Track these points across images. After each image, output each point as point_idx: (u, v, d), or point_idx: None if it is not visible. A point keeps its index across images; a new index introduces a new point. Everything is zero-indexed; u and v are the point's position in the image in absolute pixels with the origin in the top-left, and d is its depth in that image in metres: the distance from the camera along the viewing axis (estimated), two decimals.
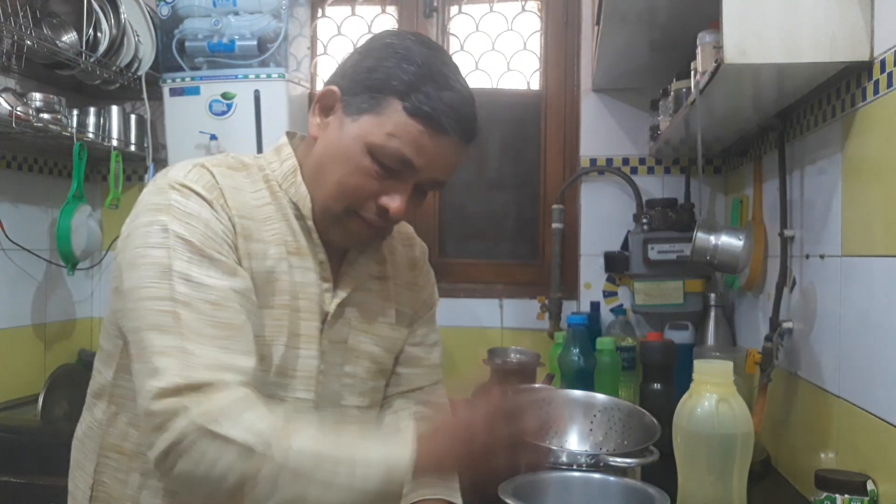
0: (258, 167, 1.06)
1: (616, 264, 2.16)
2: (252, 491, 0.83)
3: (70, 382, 2.25)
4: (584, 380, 1.77)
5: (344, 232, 1.03)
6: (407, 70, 0.97)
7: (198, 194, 0.96)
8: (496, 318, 2.36)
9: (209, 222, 0.95)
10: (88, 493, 1.04)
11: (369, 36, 1.09)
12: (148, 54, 2.31)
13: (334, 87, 1.02)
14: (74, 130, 2.17)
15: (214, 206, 0.96)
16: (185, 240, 0.92)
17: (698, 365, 1.05)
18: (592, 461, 1.21)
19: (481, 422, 0.89)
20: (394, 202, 0.99)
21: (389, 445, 0.87)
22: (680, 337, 1.99)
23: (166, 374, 0.86)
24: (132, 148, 2.40)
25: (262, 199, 1.03)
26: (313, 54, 2.60)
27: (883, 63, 1.08)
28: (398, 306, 1.15)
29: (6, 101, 1.94)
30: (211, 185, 0.98)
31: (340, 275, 1.08)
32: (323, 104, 1.03)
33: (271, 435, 0.84)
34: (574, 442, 1.40)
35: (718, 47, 1.15)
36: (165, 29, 2.27)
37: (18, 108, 1.95)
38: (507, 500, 1.01)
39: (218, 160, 1.03)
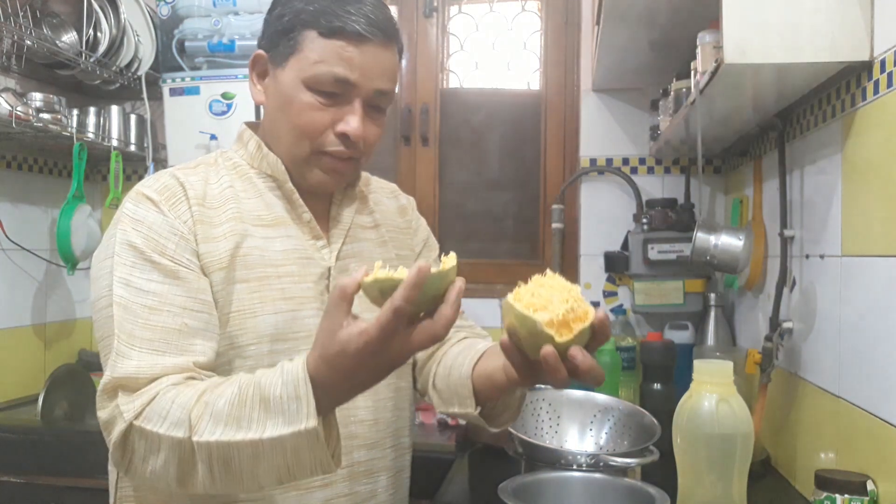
0: (225, 159, 1.12)
1: (616, 264, 2.16)
2: (198, 476, 0.88)
3: (70, 382, 2.24)
4: None
5: (320, 174, 1.07)
6: (310, 1, 1.03)
7: (148, 199, 1.02)
8: (496, 318, 2.35)
9: (154, 224, 1.00)
10: (129, 492, 1.09)
11: None
12: (148, 54, 2.31)
13: (260, 52, 1.09)
14: (74, 130, 2.17)
15: (162, 207, 1.01)
16: (131, 246, 0.99)
17: (698, 365, 1.04)
18: (592, 461, 1.21)
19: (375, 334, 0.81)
20: (350, 125, 1.03)
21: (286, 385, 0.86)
22: (680, 337, 1.99)
23: (106, 378, 0.93)
24: (132, 148, 2.40)
25: (225, 185, 1.08)
26: None
27: (883, 63, 1.08)
28: (397, 250, 1.21)
29: (6, 101, 1.94)
30: (165, 186, 1.04)
31: (331, 230, 1.13)
32: (257, 71, 1.10)
33: (192, 416, 0.87)
34: (574, 442, 1.40)
35: (718, 47, 1.15)
36: (165, 29, 2.27)
37: (18, 108, 1.94)
38: (507, 500, 1.01)
39: (189, 164, 1.11)
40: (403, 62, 2.50)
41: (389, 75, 1.06)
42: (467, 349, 1.12)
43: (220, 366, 1.02)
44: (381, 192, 1.27)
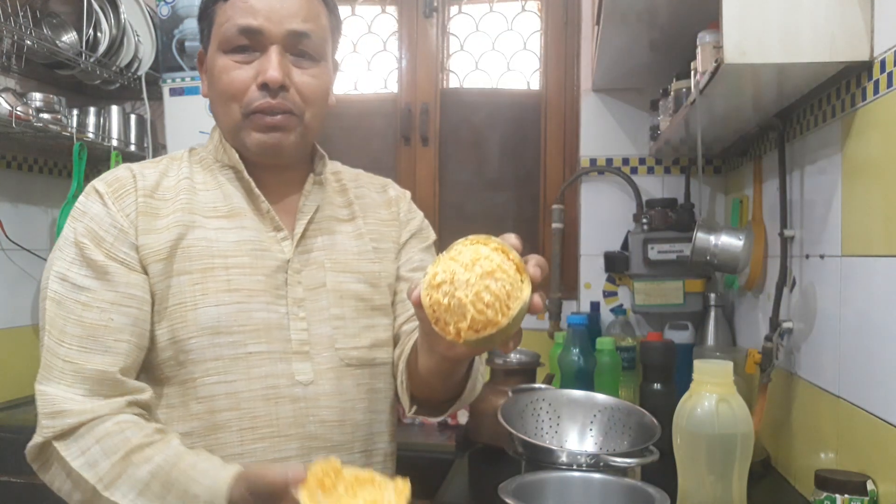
0: (193, 154, 1.13)
1: (616, 264, 2.16)
2: None
3: None
4: (584, 380, 1.77)
5: (256, 135, 1.04)
6: None
7: (97, 192, 1.03)
8: None
9: (97, 216, 1.01)
10: None
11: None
12: (148, 54, 2.31)
13: (200, 48, 1.11)
14: (74, 130, 2.17)
15: (107, 199, 1.02)
16: (74, 241, 1.00)
17: (698, 365, 1.04)
18: (592, 461, 1.20)
19: None
20: (266, 72, 1.01)
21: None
22: (680, 337, 1.99)
23: (39, 376, 0.97)
24: (132, 148, 2.40)
25: (182, 177, 1.08)
26: None
27: (883, 63, 1.08)
28: (376, 243, 1.17)
29: (6, 101, 1.94)
30: (116, 178, 1.04)
31: (297, 223, 1.10)
32: (203, 68, 1.11)
33: (110, 470, 0.91)
34: (574, 442, 1.40)
35: (718, 47, 1.15)
36: (165, 29, 2.28)
37: (18, 108, 1.94)
38: (507, 500, 1.01)
39: (155, 159, 1.12)
40: (404, 62, 2.50)
41: (303, 15, 1.03)
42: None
43: (165, 361, 1.02)
44: (370, 185, 1.24)
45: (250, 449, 1.01)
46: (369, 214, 1.19)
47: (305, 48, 1.04)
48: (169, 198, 1.05)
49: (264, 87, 1.01)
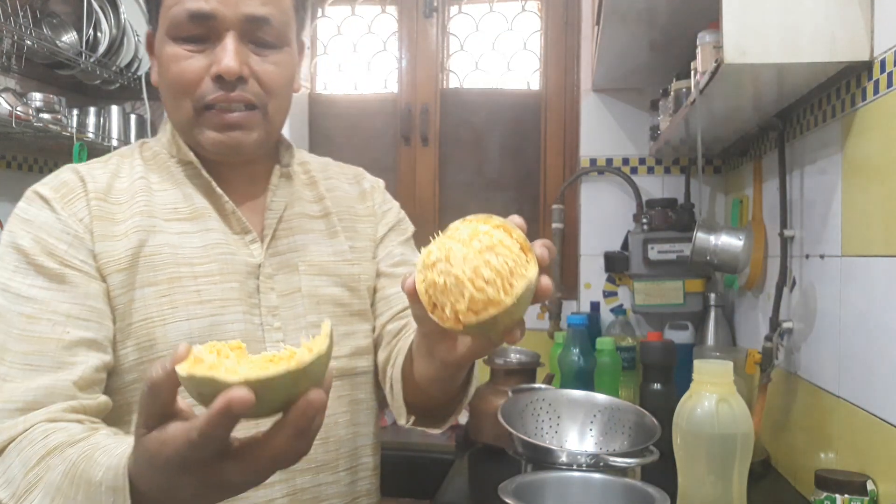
0: (145, 149, 1.02)
1: (616, 264, 2.16)
2: None
3: None
4: (584, 380, 1.77)
5: (211, 133, 0.93)
6: None
7: (41, 197, 0.92)
8: None
9: (45, 224, 0.90)
10: None
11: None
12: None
13: (149, 29, 0.98)
14: (74, 130, 2.16)
15: (55, 205, 0.91)
16: (16, 249, 0.89)
17: (698, 365, 1.04)
18: (592, 461, 1.20)
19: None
20: (221, 62, 0.89)
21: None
22: (680, 337, 1.99)
23: None
24: None
25: (136, 176, 0.97)
26: (313, 54, 2.60)
27: (883, 63, 1.08)
28: (352, 242, 1.07)
29: (6, 101, 1.94)
30: (62, 182, 0.94)
31: (265, 223, 1.00)
32: (151, 51, 0.98)
33: (26, 481, 0.76)
34: (574, 442, 1.40)
35: (718, 47, 1.15)
36: None
37: (18, 108, 1.94)
38: (507, 500, 1.01)
39: (102, 158, 1.01)
40: (404, 62, 2.50)
41: None
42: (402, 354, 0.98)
43: (130, 384, 0.91)
44: (341, 177, 1.13)
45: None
46: (343, 210, 1.08)
47: (265, 35, 0.92)
48: (124, 201, 0.94)
49: (219, 79, 0.90)
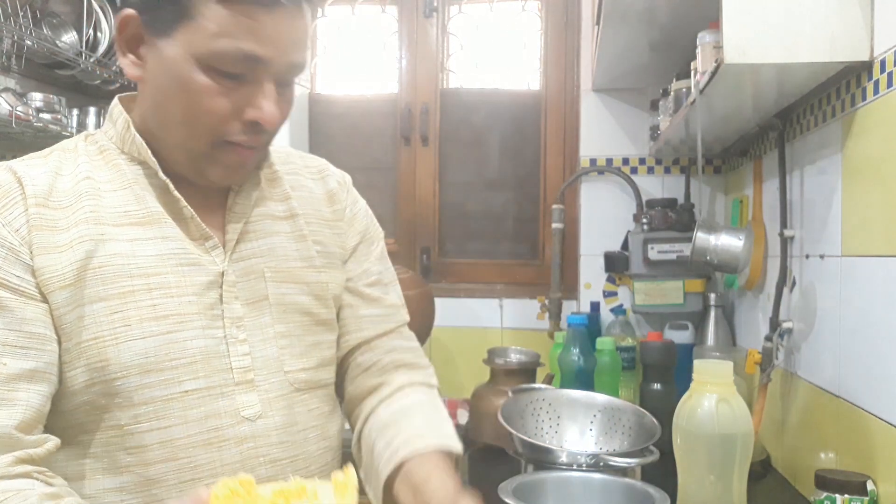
0: (91, 143, 0.92)
1: (616, 264, 2.16)
2: None
3: None
4: (584, 380, 1.77)
5: (223, 169, 0.88)
6: None
7: None
8: (496, 318, 2.36)
9: None
10: None
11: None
12: None
13: (130, 11, 0.84)
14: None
15: None
16: None
17: (698, 365, 1.04)
18: (592, 461, 1.21)
19: None
20: (262, 112, 0.84)
21: None
22: (680, 337, 1.99)
23: None
24: None
25: (81, 176, 0.87)
26: (313, 54, 2.60)
27: (883, 63, 1.08)
28: (319, 246, 0.99)
29: (6, 101, 1.94)
30: None
31: (227, 226, 0.92)
32: (126, 37, 0.86)
33: None
34: (574, 442, 1.40)
35: (718, 47, 1.15)
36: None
37: (18, 108, 1.94)
38: (508, 500, 1.01)
39: (42, 151, 0.90)
40: (404, 62, 2.50)
41: (303, 44, 0.86)
42: (393, 432, 0.94)
43: (79, 406, 0.85)
44: (305, 172, 1.03)
45: None
46: (310, 213, 1.00)
47: (292, 76, 0.89)
48: (67, 205, 0.85)
49: (254, 124, 0.85)
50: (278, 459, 0.91)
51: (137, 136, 0.88)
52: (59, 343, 0.83)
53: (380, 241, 1.08)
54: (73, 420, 0.86)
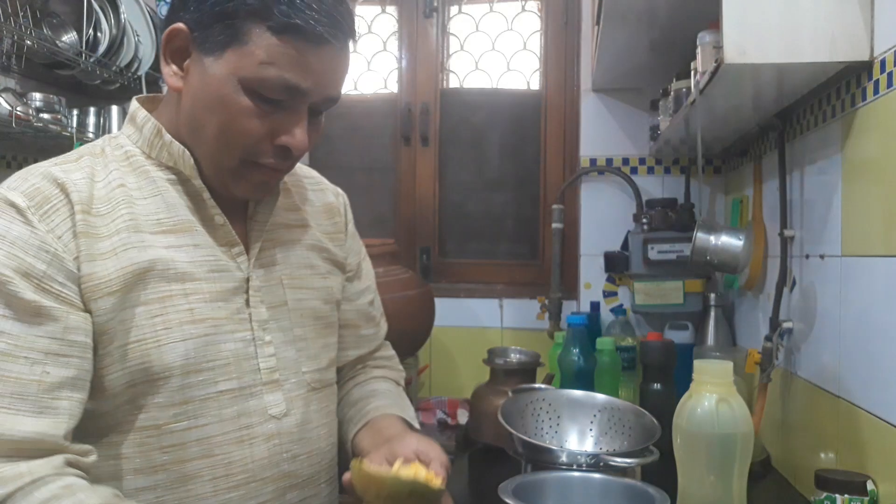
0: (115, 147, 0.93)
1: (616, 264, 2.16)
2: None
3: None
4: (584, 380, 1.77)
5: (248, 185, 0.92)
6: None
7: (12, 205, 0.82)
8: (496, 318, 2.36)
9: (18, 239, 0.81)
10: None
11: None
12: (148, 54, 2.31)
13: (180, 25, 0.88)
14: (74, 130, 2.16)
15: (30, 216, 0.82)
16: None
17: (698, 365, 1.04)
18: (592, 461, 1.20)
19: None
20: (294, 138, 0.88)
21: None
22: (680, 337, 1.99)
23: None
24: None
25: (114, 183, 0.89)
26: None
27: (883, 63, 1.08)
28: (325, 254, 1.07)
29: (6, 101, 1.94)
30: (35, 188, 0.84)
31: (249, 233, 0.97)
32: (172, 48, 0.89)
33: None
34: (574, 442, 1.40)
35: (718, 47, 1.15)
36: (165, 29, 2.27)
37: (18, 108, 1.94)
38: (508, 500, 1.01)
39: (69, 155, 0.92)
40: (404, 62, 2.50)
41: (343, 80, 0.92)
42: (363, 404, 1.11)
43: (117, 407, 0.87)
44: (306, 182, 1.10)
45: (224, 499, 0.91)
46: (315, 224, 1.07)
47: (325, 108, 0.93)
48: (106, 212, 0.87)
49: (284, 149, 0.89)
50: (298, 455, 0.97)
51: (176, 143, 0.91)
52: (97, 349, 0.86)
53: (364, 259, 1.19)
54: (107, 422, 0.88)
